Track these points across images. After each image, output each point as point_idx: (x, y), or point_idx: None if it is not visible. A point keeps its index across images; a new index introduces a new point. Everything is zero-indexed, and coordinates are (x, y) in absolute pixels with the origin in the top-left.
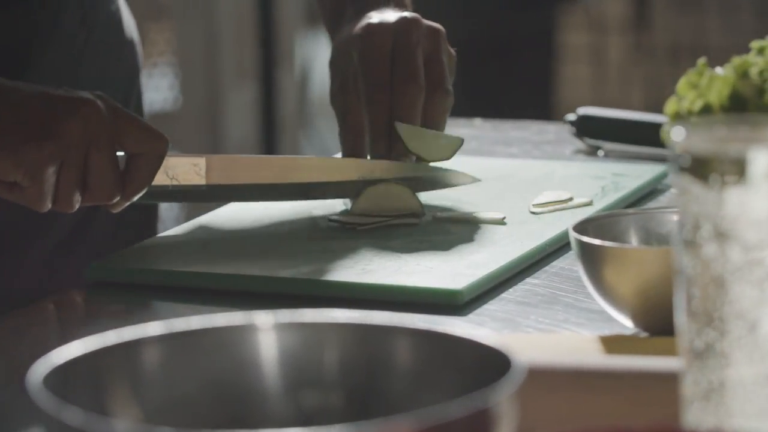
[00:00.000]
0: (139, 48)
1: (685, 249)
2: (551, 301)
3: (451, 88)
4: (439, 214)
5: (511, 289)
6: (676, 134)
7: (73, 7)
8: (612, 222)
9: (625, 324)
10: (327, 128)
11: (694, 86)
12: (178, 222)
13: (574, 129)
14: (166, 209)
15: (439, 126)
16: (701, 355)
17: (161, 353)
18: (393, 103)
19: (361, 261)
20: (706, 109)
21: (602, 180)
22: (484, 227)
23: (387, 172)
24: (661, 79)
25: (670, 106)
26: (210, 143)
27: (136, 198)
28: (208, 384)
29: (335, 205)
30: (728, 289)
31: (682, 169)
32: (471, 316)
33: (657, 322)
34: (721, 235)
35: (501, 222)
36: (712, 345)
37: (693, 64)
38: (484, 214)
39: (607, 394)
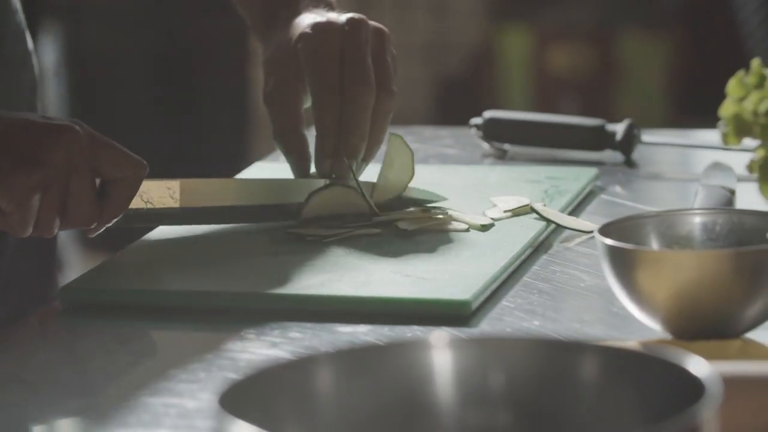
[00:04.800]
0: (36, 59)
1: None
2: (555, 309)
3: (395, 88)
4: (401, 224)
5: (508, 297)
6: None
7: None
8: (634, 225)
9: (653, 328)
10: None
11: (751, 87)
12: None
13: (480, 132)
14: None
15: (382, 127)
16: None
17: (332, 372)
18: (343, 104)
19: (346, 274)
20: None
21: (540, 184)
22: (450, 235)
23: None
24: None
25: (728, 107)
26: None
27: (112, 222)
28: (379, 403)
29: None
30: None
31: None
32: (482, 326)
33: (689, 327)
34: None
35: (465, 230)
36: None
37: None
38: (448, 224)
39: None
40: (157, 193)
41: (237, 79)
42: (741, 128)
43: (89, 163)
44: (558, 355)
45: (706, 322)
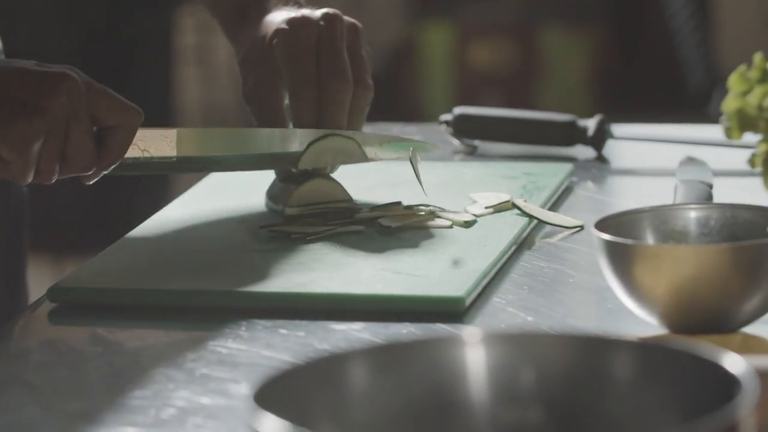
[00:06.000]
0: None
1: None
2: (546, 305)
3: (371, 82)
4: (383, 221)
5: (498, 294)
6: None
7: None
8: (628, 220)
9: (649, 322)
10: None
11: (754, 82)
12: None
13: (450, 128)
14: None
15: (359, 121)
16: None
17: (365, 369)
18: (321, 99)
19: (335, 271)
20: None
21: (516, 180)
22: (433, 232)
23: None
24: None
25: (731, 102)
26: None
27: (109, 170)
28: (410, 399)
29: (264, 214)
30: None
31: None
32: (477, 323)
33: (688, 321)
34: None
35: (448, 227)
36: None
37: None
38: (430, 221)
39: None
40: (153, 141)
41: (161, 78)
42: (745, 123)
43: (87, 110)
44: (591, 351)
45: (704, 317)
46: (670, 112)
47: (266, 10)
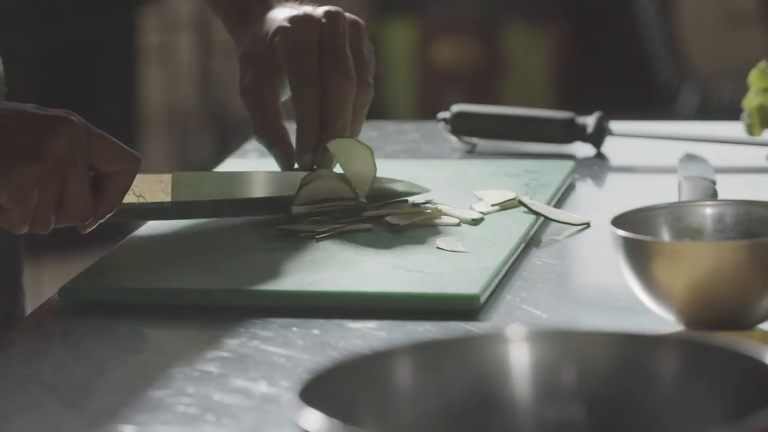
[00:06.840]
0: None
1: None
2: (560, 303)
3: (372, 81)
4: (391, 219)
5: (510, 291)
6: None
7: None
8: (645, 217)
9: (666, 318)
10: None
11: None
12: None
13: (448, 126)
14: None
15: (361, 118)
16: None
17: (409, 365)
18: (324, 97)
19: (347, 270)
20: None
21: (519, 177)
22: (441, 229)
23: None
24: (224, 75)
25: (751, 99)
26: None
27: (106, 218)
28: (454, 396)
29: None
30: None
31: None
32: (493, 321)
33: (706, 318)
34: None
35: (455, 225)
36: None
37: None
38: (438, 218)
39: None
40: (148, 187)
41: (124, 77)
42: (766, 119)
43: (85, 157)
44: (633, 349)
45: (722, 313)
46: (638, 108)
47: (268, 6)
